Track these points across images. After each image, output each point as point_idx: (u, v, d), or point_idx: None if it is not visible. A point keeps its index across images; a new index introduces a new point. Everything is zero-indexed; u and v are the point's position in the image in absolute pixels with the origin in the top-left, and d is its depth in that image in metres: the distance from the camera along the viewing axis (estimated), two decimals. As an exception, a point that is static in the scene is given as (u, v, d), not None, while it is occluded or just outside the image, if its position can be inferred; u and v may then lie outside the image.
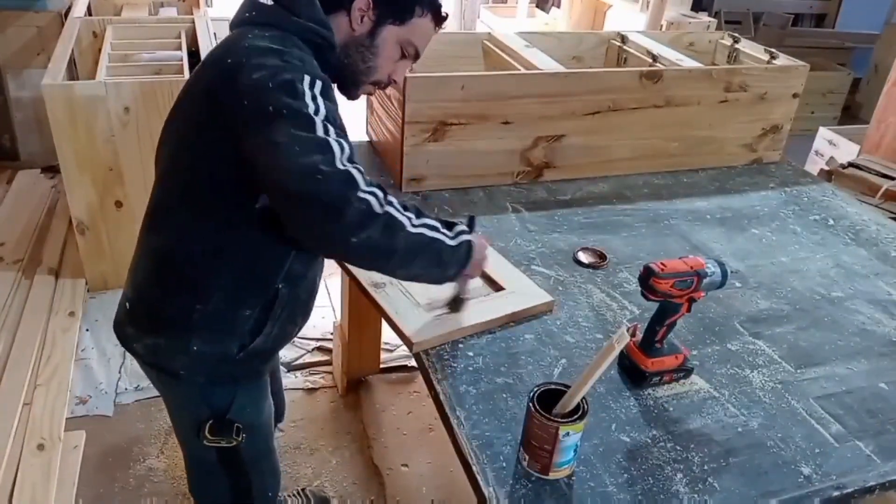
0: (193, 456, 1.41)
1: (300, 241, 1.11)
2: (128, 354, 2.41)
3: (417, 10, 1.21)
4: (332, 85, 1.14)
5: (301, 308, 1.32)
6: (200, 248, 1.17)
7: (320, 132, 1.03)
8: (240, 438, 1.29)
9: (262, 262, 1.20)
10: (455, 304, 1.35)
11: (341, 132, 1.07)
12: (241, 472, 1.36)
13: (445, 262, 1.18)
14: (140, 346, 1.28)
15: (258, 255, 1.18)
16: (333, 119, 1.06)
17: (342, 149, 1.03)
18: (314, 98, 1.05)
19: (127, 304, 1.28)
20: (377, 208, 1.04)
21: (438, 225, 1.17)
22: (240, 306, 1.21)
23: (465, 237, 1.20)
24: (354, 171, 1.03)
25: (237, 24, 1.18)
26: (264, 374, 1.36)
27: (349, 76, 1.23)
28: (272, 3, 1.16)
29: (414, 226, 1.11)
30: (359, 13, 1.19)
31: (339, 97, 1.20)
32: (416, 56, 1.26)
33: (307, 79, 1.06)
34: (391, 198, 1.09)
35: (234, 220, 1.15)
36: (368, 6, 1.19)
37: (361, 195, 1.02)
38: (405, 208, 1.12)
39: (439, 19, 1.25)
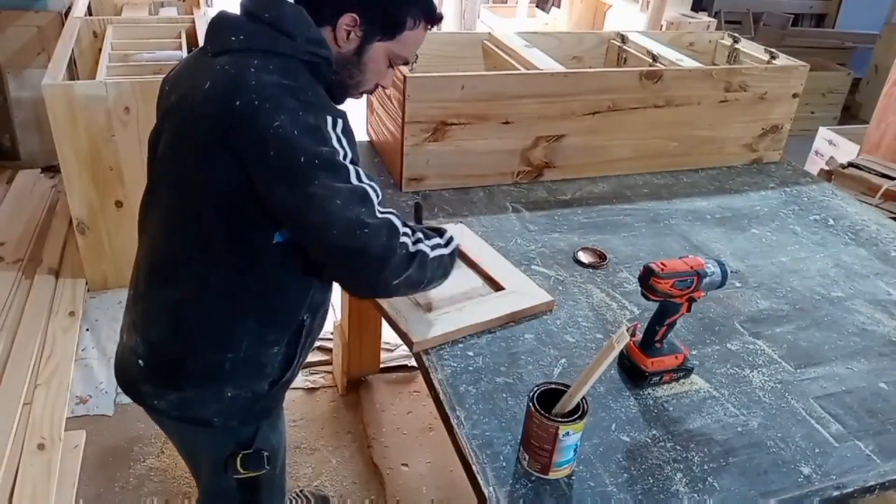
0: (211, 490, 1.38)
1: (342, 286, 1.14)
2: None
3: (409, 22, 1.13)
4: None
5: (319, 330, 1.30)
6: (222, 296, 1.12)
7: (355, 179, 1.02)
8: (269, 467, 1.27)
9: (286, 299, 1.16)
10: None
11: (367, 174, 1.07)
12: (256, 495, 1.35)
13: (448, 271, 1.24)
14: (163, 403, 1.21)
15: (281, 292, 1.15)
16: (357, 158, 1.06)
17: (377, 193, 1.05)
18: (339, 140, 1.03)
19: (140, 362, 1.19)
20: (412, 248, 1.09)
21: (439, 240, 1.20)
22: (269, 346, 1.18)
23: (454, 243, 1.24)
24: (393, 218, 1.06)
25: (223, 49, 1.08)
26: (283, 399, 1.35)
27: (336, 89, 1.17)
28: (259, 23, 1.07)
29: (432, 248, 1.15)
30: (345, 30, 1.11)
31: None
32: (405, 63, 1.24)
33: (329, 120, 1.03)
34: (412, 228, 1.12)
35: (254, 262, 1.10)
36: (355, 23, 1.10)
37: (403, 240, 1.07)
38: (421, 234, 1.15)
39: (433, 23, 1.18)
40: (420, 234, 1.14)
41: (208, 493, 1.40)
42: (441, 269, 1.20)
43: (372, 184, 1.05)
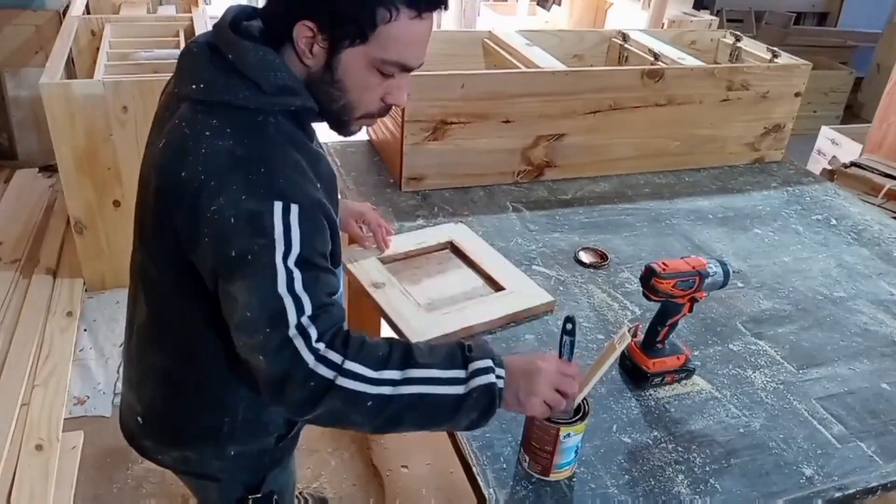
0: None
1: None
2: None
3: (381, 13, 0.90)
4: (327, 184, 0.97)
5: None
6: (210, 364, 1.04)
7: (281, 286, 0.86)
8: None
9: None
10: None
11: (315, 268, 0.90)
12: None
13: (449, 415, 0.91)
14: (166, 458, 1.16)
15: None
16: (308, 255, 0.89)
17: (300, 308, 0.87)
18: (287, 230, 0.87)
19: (139, 419, 1.13)
20: (330, 380, 0.86)
21: (438, 372, 0.90)
22: (266, 407, 1.10)
23: (481, 380, 0.91)
24: (301, 342, 0.86)
25: (184, 95, 0.95)
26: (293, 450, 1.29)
27: (330, 119, 1.01)
28: (221, 66, 0.92)
29: (393, 383, 0.88)
30: (304, 44, 0.92)
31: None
32: (406, 69, 0.99)
33: (278, 206, 0.86)
34: (359, 348, 0.89)
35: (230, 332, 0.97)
36: (313, 32, 0.91)
37: (308, 370, 0.86)
38: (388, 355, 0.90)
39: (421, 9, 0.92)
40: (376, 356, 0.89)
41: None
42: (426, 413, 0.90)
43: (305, 293, 0.87)
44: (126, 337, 1.14)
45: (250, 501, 1.20)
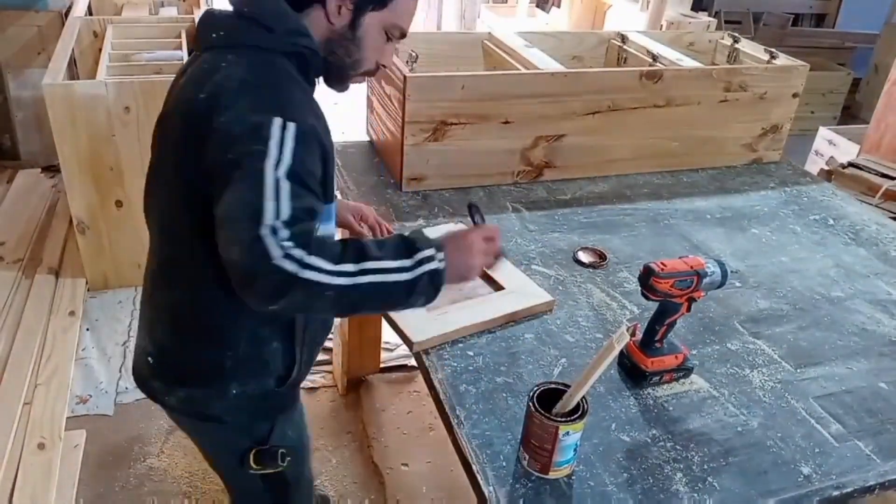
0: (240, 488, 1.37)
1: None
2: (128, 353, 2.45)
3: None
4: (319, 120, 1.06)
5: (321, 325, 1.29)
6: (215, 295, 1.10)
7: (266, 189, 0.95)
8: (285, 464, 1.26)
9: None
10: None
11: (301, 185, 0.98)
12: (285, 493, 1.34)
13: (402, 299, 1.05)
14: (172, 399, 1.22)
15: None
16: (298, 171, 0.97)
17: (277, 212, 0.95)
18: (281, 143, 0.97)
19: (150, 359, 1.21)
20: (293, 274, 0.94)
21: (388, 262, 1.02)
22: (266, 342, 1.17)
23: (426, 267, 1.04)
24: (271, 240, 0.93)
25: (207, 46, 1.09)
26: (300, 397, 1.34)
27: (335, 72, 1.15)
28: (238, 18, 1.07)
29: (349, 274, 0.99)
30: (335, 5, 1.09)
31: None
32: (403, 36, 1.17)
33: (277, 122, 0.97)
34: (320, 246, 0.98)
35: None
36: None
37: (274, 265, 0.93)
38: (343, 252, 1.00)
39: None
40: (333, 251, 0.99)
41: (237, 491, 1.40)
42: (381, 298, 1.03)
43: (282, 201, 0.95)
44: (143, 285, 1.22)
45: (254, 452, 1.23)
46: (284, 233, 0.95)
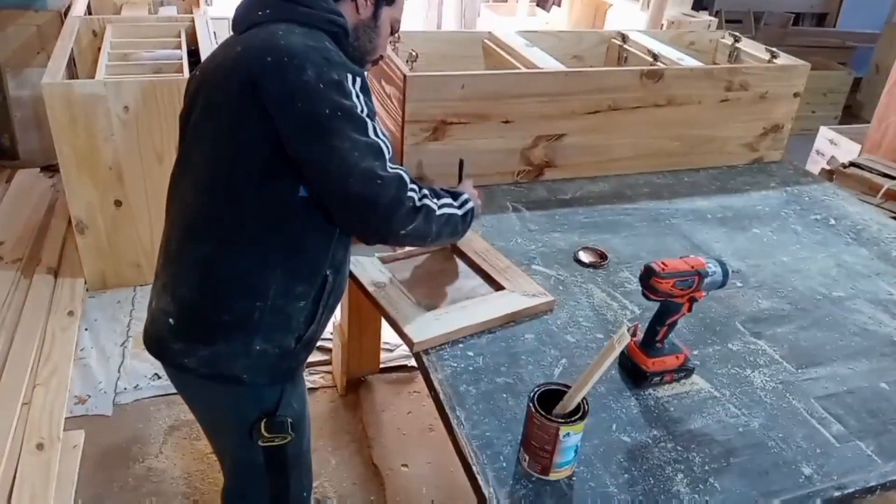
0: (240, 461, 1.38)
1: (354, 234, 1.23)
2: (127, 354, 2.44)
3: None
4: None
5: (340, 294, 1.34)
6: (250, 247, 1.18)
7: (372, 135, 1.12)
8: (292, 434, 1.30)
9: (310, 252, 1.22)
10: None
11: (382, 130, 1.15)
12: (283, 472, 1.36)
13: (460, 230, 1.35)
14: (193, 360, 1.23)
15: (305, 245, 1.21)
16: (374, 113, 1.15)
17: (389, 150, 1.14)
18: (359, 96, 1.12)
19: (171, 321, 1.23)
20: (418, 203, 1.18)
21: (450, 200, 1.31)
22: (295, 298, 1.23)
23: (468, 205, 1.36)
24: (403, 173, 1.15)
25: (251, 24, 1.19)
26: (304, 364, 1.37)
27: (357, 58, 1.28)
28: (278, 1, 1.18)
29: (439, 207, 1.26)
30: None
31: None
32: (397, 28, 1.37)
33: (350, 77, 1.12)
34: (420, 185, 1.22)
35: (279, 215, 1.17)
36: None
37: (410, 194, 1.16)
38: (431, 192, 1.26)
39: None
40: (427, 192, 1.24)
41: (235, 471, 1.41)
42: (450, 227, 1.30)
43: (385, 140, 1.14)
44: (161, 255, 1.28)
45: (265, 421, 1.27)
46: (399, 165, 1.15)
